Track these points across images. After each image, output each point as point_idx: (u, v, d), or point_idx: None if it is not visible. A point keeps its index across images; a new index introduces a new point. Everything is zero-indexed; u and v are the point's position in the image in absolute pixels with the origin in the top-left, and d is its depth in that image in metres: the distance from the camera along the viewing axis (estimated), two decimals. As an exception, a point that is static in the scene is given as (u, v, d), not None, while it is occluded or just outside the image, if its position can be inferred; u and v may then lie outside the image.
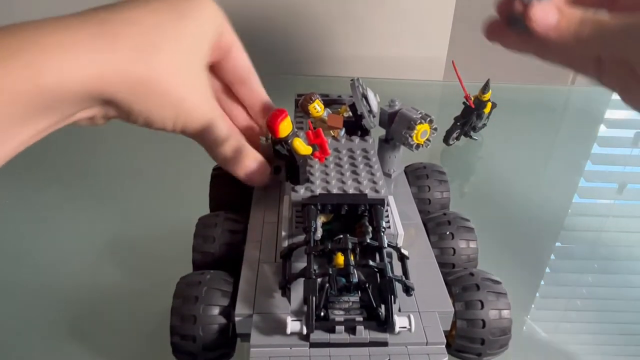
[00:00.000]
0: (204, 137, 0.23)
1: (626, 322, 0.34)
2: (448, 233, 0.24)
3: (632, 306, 0.35)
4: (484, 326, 0.20)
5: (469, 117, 0.51)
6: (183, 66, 0.21)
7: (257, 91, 0.27)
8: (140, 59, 0.19)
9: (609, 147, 0.58)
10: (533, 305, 0.34)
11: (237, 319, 0.20)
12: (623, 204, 0.48)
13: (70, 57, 0.17)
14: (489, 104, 0.51)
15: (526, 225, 0.42)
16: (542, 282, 0.37)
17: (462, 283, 0.22)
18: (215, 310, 0.21)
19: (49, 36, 0.17)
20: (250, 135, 0.27)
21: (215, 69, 0.25)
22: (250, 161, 0.25)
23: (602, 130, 0.61)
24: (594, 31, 0.20)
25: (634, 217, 0.46)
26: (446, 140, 0.51)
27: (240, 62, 0.25)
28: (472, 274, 0.22)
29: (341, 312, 0.19)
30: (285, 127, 0.21)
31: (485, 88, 0.50)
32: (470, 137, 0.53)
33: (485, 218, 0.38)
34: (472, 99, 0.50)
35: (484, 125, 0.54)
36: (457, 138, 0.52)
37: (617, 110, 0.66)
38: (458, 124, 0.51)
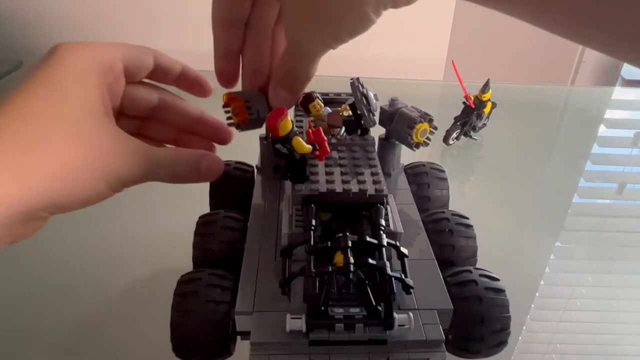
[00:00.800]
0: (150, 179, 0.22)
1: (626, 322, 0.34)
2: (447, 230, 0.24)
3: (632, 306, 0.35)
4: (482, 323, 0.20)
5: (469, 117, 0.51)
6: (82, 138, 0.19)
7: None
8: (29, 160, 0.17)
9: (609, 147, 0.58)
10: (533, 305, 0.34)
11: (237, 316, 0.20)
12: (623, 204, 0.48)
13: None
14: (489, 104, 0.52)
15: (526, 225, 0.42)
16: (542, 282, 0.37)
17: (460, 279, 0.22)
18: (215, 307, 0.21)
19: None
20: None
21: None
22: (185, 167, 0.23)
23: (602, 130, 0.61)
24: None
25: (634, 217, 0.46)
26: (446, 140, 0.51)
27: (161, 67, 0.24)
28: (470, 271, 0.22)
29: (341, 310, 0.19)
30: (285, 126, 0.21)
31: (485, 88, 0.50)
32: (470, 137, 0.53)
33: (485, 218, 0.38)
34: (472, 98, 0.50)
35: (484, 125, 0.54)
36: (457, 138, 0.52)
37: (617, 110, 0.66)
38: (458, 123, 0.51)
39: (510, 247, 0.39)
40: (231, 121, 0.25)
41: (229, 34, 0.24)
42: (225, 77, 0.25)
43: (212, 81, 0.26)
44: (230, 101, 0.25)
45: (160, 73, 0.24)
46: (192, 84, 0.25)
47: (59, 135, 0.18)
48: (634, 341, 0.32)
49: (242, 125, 0.25)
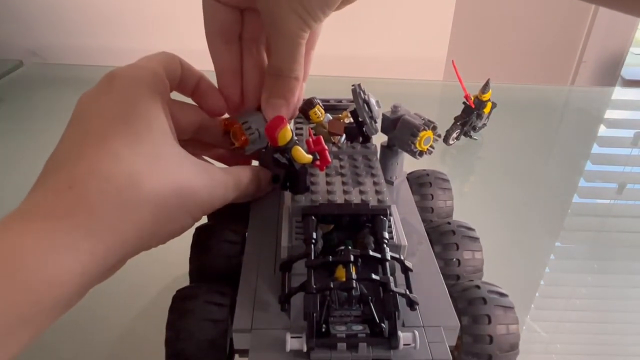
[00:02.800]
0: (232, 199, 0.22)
1: (626, 322, 0.34)
2: (452, 243, 0.24)
3: (632, 306, 0.35)
4: (491, 342, 0.20)
5: (469, 117, 0.51)
6: (168, 175, 0.18)
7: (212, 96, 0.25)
8: (124, 208, 0.17)
9: (609, 147, 0.58)
10: (533, 305, 0.34)
11: (234, 334, 0.20)
12: (623, 204, 0.48)
13: (54, 260, 0.15)
14: (489, 104, 0.51)
15: (526, 225, 0.42)
16: (542, 282, 0.37)
17: (468, 297, 0.21)
18: (212, 327, 0.20)
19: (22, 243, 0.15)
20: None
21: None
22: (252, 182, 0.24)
23: (602, 130, 0.61)
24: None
25: (634, 217, 0.46)
26: (446, 140, 0.51)
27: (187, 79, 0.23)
28: (478, 287, 0.21)
29: (343, 328, 0.19)
30: (284, 135, 0.21)
31: (485, 88, 0.49)
32: (470, 137, 0.53)
33: (485, 218, 0.38)
34: (472, 98, 0.49)
35: (484, 125, 0.53)
36: (457, 138, 0.52)
37: (617, 110, 0.66)
38: (458, 123, 0.51)
39: (510, 247, 0.39)
40: (234, 146, 0.24)
41: (224, 50, 0.23)
42: (231, 98, 0.25)
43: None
44: (227, 126, 0.24)
45: (183, 84, 0.24)
46: (207, 99, 0.25)
47: (147, 178, 0.18)
48: (634, 341, 0.32)
49: (246, 148, 0.24)
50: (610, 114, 0.65)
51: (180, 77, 0.23)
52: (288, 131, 0.21)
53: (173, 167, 0.19)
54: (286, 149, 0.21)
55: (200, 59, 0.27)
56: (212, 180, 0.20)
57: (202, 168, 0.20)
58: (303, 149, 0.21)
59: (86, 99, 0.19)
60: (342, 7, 0.21)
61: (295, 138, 0.21)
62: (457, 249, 0.24)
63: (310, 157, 0.22)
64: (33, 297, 0.14)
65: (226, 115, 0.26)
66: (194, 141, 0.25)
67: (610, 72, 0.72)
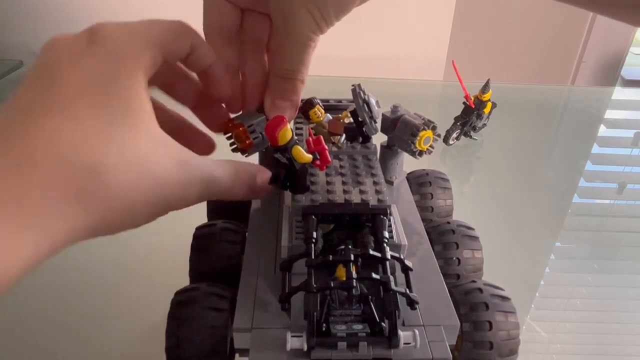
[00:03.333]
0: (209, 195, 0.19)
1: (626, 322, 0.34)
2: (452, 242, 0.24)
3: (632, 306, 0.35)
4: (491, 348, 0.20)
5: (469, 117, 0.51)
6: (135, 162, 0.16)
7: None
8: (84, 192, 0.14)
9: (609, 147, 0.58)
10: (533, 305, 0.34)
11: (235, 333, 0.20)
12: (623, 204, 0.48)
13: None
14: (489, 104, 0.51)
15: (526, 225, 0.42)
16: (542, 282, 0.37)
17: (470, 301, 0.21)
18: (211, 331, 0.20)
19: None
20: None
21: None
22: (248, 185, 0.21)
23: (602, 130, 0.61)
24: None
25: (634, 217, 0.46)
26: (446, 140, 0.51)
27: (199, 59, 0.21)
28: (480, 290, 0.21)
29: (343, 327, 0.19)
30: (284, 135, 0.21)
31: (485, 88, 0.50)
32: (470, 137, 0.53)
33: (485, 218, 0.38)
34: (472, 98, 0.50)
35: (484, 125, 0.53)
36: (457, 138, 0.52)
37: (617, 110, 0.66)
38: (458, 123, 0.51)
39: (510, 247, 0.39)
40: (235, 146, 0.24)
41: (225, 48, 0.23)
42: (230, 99, 0.24)
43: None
44: (231, 129, 0.24)
45: (192, 63, 0.21)
46: (214, 84, 0.22)
47: (119, 173, 0.15)
48: (634, 341, 0.32)
49: (248, 150, 0.24)
50: (610, 114, 0.65)
51: (190, 54, 0.20)
52: (288, 131, 0.21)
53: (145, 161, 0.16)
54: (286, 149, 0.21)
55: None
56: (189, 176, 0.18)
57: (179, 161, 0.18)
58: (303, 148, 0.21)
59: (62, 49, 0.16)
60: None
61: (296, 138, 0.21)
62: (457, 247, 0.24)
63: (310, 156, 0.22)
64: None
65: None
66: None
67: (610, 72, 0.73)
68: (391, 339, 0.18)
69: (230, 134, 0.24)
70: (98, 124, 0.15)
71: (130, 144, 0.16)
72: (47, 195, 0.14)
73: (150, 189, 0.17)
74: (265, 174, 0.22)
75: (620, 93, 0.72)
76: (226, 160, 0.21)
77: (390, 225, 0.22)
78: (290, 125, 0.21)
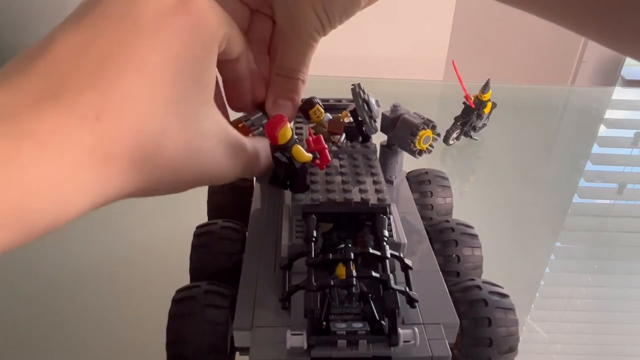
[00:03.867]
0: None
1: (626, 322, 0.34)
2: (452, 240, 0.24)
3: (632, 306, 0.35)
4: (490, 345, 0.20)
5: (469, 117, 0.51)
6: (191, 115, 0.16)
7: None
8: (143, 167, 0.14)
9: (609, 147, 0.58)
10: (533, 305, 0.34)
11: (235, 332, 0.20)
12: (623, 204, 0.48)
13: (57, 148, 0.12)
14: (489, 104, 0.51)
15: (526, 225, 0.42)
16: (542, 282, 0.37)
17: (469, 298, 0.21)
18: (212, 329, 0.20)
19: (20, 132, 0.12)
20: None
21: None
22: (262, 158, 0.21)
23: (602, 130, 0.61)
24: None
25: (634, 217, 0.46)
26: (446, 140, 0.51)
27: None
28: (479, 287, 0.21)
29: (343, 325, 0.19)
30: (284, 134, 0.21)
31: (485, 88, 0.50)
32: (470, 137, 0.53)
33: (485, 218, 0.38)
34: (472, 98, 0.50)
35: (484, 125, 0.53)
36: (457, 138, 0.52)
37: (617, 110, 0.66)
38: (458, 123, 0.51)
39: (510, 247, 0.39)
40: None
41: None
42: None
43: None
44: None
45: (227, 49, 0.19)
46: (239, 75, 0.22)
47: (177, 147, 0.15)
48: (634, 341, 0.32)
49: None
50: (610, 114, 0.65)
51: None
52: (288, 130, 0.21)
53: (202, 141, 0.16)
54: (286, 148, 0.21)
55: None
56: (235, 162, 0.18)
57: (230, 146, 0.18)
58: (303, 148, 0.22)
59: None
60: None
61: (296, 137, 0.22)
62: (457, 245, 0.24)
63: (310, 156, 0.22)
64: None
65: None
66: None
67: (611, 72, 0.73)
68: (391, 337, 0.18)
69: None
70: (172, 93, 0.15)
71: (196, 120, 0.16)
72: (115, 151, 0.14)
73: (197, 169, 0.17)
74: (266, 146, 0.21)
75: (620, 93, 0.73)
76: (263, 140, 0.21)
77: (390, 224, 0.22)
78: (290, 125, 0.21)
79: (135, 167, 0.15)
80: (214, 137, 0.17)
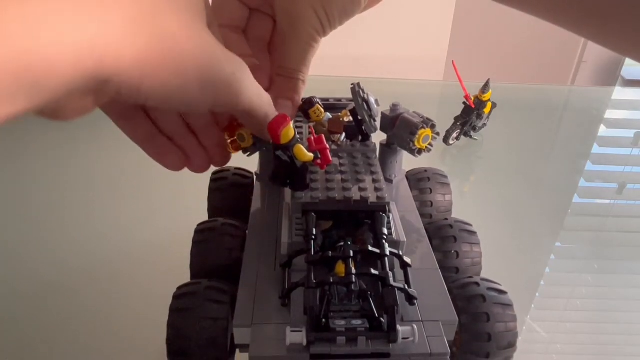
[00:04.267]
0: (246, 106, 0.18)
1: (626, 322, 0.34)
2: (450, 236, 0.24)
3: (632, 306, 0.35)
4: (489, 340, 0.20)
5: (469, 117, 0.51)
6: (193, 23, 0.15)
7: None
8: (142, 21, 0.14)
9: (609, 147, 0.58)
10: (533, 305, 0.34)
11: (235, 329, 0.20)
12: (623, 204, 0.48)
13: (54, 31, 0.12)
14: (489, 104, 0.51)
15: (526, 225, 0.42)
16: (542, 282, 0.37)
17: (467, 294, 0.21)
18: (212, 326, 0.20)
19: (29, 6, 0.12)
20: None
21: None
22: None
23: (602, 130, 0.61)
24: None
25: (634, 217, 0.46)
26: (446, 140, 0.51)
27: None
28: (477, 284, 0.22)
29: (342, 322, 0.19)
30: (287, 133, 0.21)
31: (485, 88, 0.50)
32: (470, 137, 0.53)
33: (485, 218, 0.38)
34: (472, 98, 0.50)
35: (484, 125, 0.53)
36: (457, 138, 0.52)
37: (617, 110, 0.66)
38: (458, 123, 0.51)
39: (510, 247, 0.39)
40: (236, 145, 0.24)
41: (236, 42, 0.23)
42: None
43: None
44: (236, 128, 0.23)
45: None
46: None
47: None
48: (634, 341, 0.32)
49: (251, 148, 0.24)
50: (610, 114, 0.65)
51: None
52: (291, 129, 0.21)
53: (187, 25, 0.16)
54: (288, 147, 0.21)
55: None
56: (239, 67, 0.18)
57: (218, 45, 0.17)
58: (304, 147, 0.22)
59: None
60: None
61: (298, 137, 0.22)
62: (455, 241, 0.24)
63: (311, 155, 0.22)
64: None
65: None
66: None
67: (611, 72, 0.73)
68: (390, 334, 0.18)
69: (233, 138, 0.24)
70: None
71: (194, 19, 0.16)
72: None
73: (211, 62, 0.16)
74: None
75: (620, 93, 0.73)
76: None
77: (389, 222, 0.22)
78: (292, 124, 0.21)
79: (132, 23, 0.14)
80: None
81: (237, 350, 0.22)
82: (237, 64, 0.18)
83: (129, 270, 0.35)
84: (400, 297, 0.19)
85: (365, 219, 0.23)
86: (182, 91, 0.16)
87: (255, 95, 0.19)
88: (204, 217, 0.29)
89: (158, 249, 0.36)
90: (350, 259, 0.20)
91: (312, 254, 0.20)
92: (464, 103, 0.50)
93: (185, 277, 0.24)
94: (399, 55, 0.63)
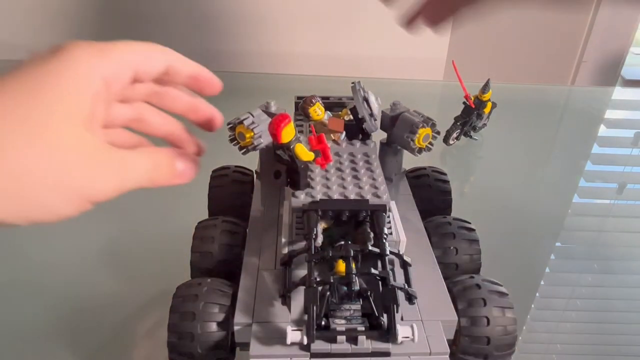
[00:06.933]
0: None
1: (626, 322, 0.34)
2: (450, 233, 0.24)
3: (632, 306, 0.35)
4: (488, 343, 0.20)
5: (469, 117, 0.51)
6: (53, 149, 0.18)
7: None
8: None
9: (609, 147, 0.58)
10: (533, 305, 0.34)
11: (236, 328, 0.20)
12: (623, 204, 0.48)
13: None
14: (489, 104, 0.51)
15: (526, 225, 0.42)
16: (542, 282, 0.37)
17: (467, 297, 0.21)
18: (213, 326, 0.20)
19: None
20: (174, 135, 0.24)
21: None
22: (172, 166, 0.22)
23: (602, 130, 0.61)
24: None
25: (634, 217, 0.46)
26: (446, 140, 0.51)
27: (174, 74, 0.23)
28: (478, 286, 0.21)
29: (342, 321, 0.19)
30: (288, 132, 0.21)
31: (485, 88, 0.50)
32: (470, 137, 0.53)
33: (485, 218, 0.38)
34: (472, 98, 0.50)
35: (484, 125, 0.53)
36: (457, 138, 0.52)
37: (617, 110, 0.66)
38: (458, 123, 0.51)
39: (510, 247, 0.39)
40: (238, 144, 0.25)
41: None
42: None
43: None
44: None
45: (171, 74, 0.23)
46: (202, 84, 0.23)
47: (36, 143, 0.17)
48: (634, 341, 0.32)
49: (249, 147, 0.25)
50: (610, 114, 0.65)
51: (167, 69, 0.22)
52: (292, 128, 0.21)
53: (63, 147, 0.18)
54: (289, 146, 0.21)
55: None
56: (107, 167, 0.19)
57: (101, 154, 0.19)
58: (305, 147, 0.22)
59: (36, 55, 0.19)
60: None
61: (298, 136, 0.22)
62: (454, 237, 0.24)
63: (312, 154, 0.22)
64: None
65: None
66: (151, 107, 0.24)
67: (611, 72, 0.72)
68: (390, 333, 0.18)
69: (235, 140, 0.25)
70: (31, 108, 0.17)
71: (54, 128, 0.18)
72: None
73: (61, 168, 0.18)
74: (188, 161, 0.22)
75: (620, 93, 0.72)
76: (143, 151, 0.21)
77: (389, 222, 0.22)
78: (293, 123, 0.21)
79: None
80: (87, 152, 0.19)
81: (238, 349, 0.22)
82: (107, 169, 0.19)
83: (128, 268, 0.35)
84: (400, 296, 0.19)
85: (366, 218, 0.23)
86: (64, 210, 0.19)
87: (143, 174, 0.20)
88: (204, 215, 0.29)
89: (158, 249, 0.36)
90: (351, 258, 0.20)
91: (313, 253, 0.20)
92: (464, 103, 0.50)
93: (185, 275, 0.24)
94: (399, 55, 0.63)
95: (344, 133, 0.27)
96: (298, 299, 0.20)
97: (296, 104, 0.31)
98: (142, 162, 0.21)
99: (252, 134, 0.24)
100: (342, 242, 0.21)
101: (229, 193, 0.29)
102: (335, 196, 0.22)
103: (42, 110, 0.18)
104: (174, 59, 0.23)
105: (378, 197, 0.23)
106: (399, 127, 0.27)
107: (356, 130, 0.27)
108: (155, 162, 0.21)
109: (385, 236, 0.21)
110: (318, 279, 0.19)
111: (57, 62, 0.19)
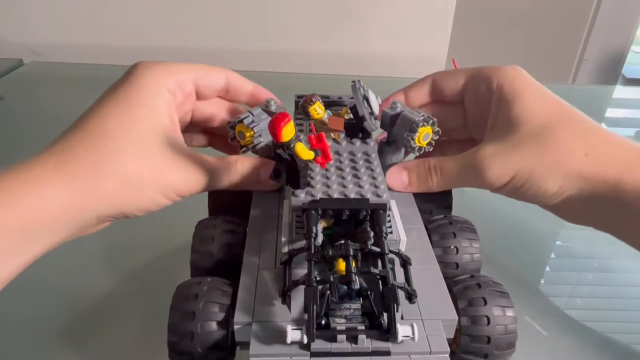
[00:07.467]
0: (210, 187, 0.25)
1: (626, 321, 0.34)
2: (450, 232, 0.24)
3: (632, 305, 0.35)
4: (488, 342, 0.20)
5: (470, 116, 0.50)
6: (146, 155, 0.22)
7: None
8: (100, 173, 0.21)
9: (610, 145, 0.58)
10: (533, 305, 0.34)
11: (236, 327, 0.20)
12: (623, 203, 0.48)
13: (40, 192, 0.20)
14: (490, 103, 0.51)
15: (526, 224, 0.42)
16: (542, 281, 0.37)
17: (468, 296, 0.21)
18: (214, 325, 0.20)
19: (21, 177, 0.20)
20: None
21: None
22: (248, 169, 0.26)
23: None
24: (440, 179, 0.26)
25: (635, 216, 0.46)
26: (446, 139, 0.51)
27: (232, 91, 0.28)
28: (479, 285, 0.21)
29: (342, 321, 0.19)
30: (288, 131, 0.21)
31: (486, 87, 0.49)
32: (471, 136, 0.52)
33: (485, 216, 0.38)
34: (473, 97, 0.49)
35: (485, 124, 0.53)
36: (458, 137, 0.52)
37: (618, 108, 0.66)
38: (458, 122, 0.51)
39: (510, 245, 0.39)
40: (238, 143, 0.26)
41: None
42: None
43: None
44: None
45: (232, 92, 0.28)
46: (261, 102, 0.28)
47: (126, 154, 0.22)
48: (634, 341, 0.32)
49: (249, 145, 0.26)
50: (611, 113, 0.65)
51: (227, 87, 0.27)
52: (292, 127, 0.21)
53: (151, 153, 0.22)
54: (289, 145, 0.21)
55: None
56: (190, 169, 0.24)
57: (183, 158, 0.24)
58: (305, 145, 0.22)
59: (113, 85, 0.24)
60: None
61: (298, 134, 0.22)
62: (455, 237, 0.24)
63: (312, 153, 0.22)
64: (22, 220, 0.19)
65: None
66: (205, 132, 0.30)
67: (611, 71, 0.72)
68: (390, 332, 0.18)
69: (236, 139, 0.25)
70: (115, 127, 0.23)
71: (140, 138, 0.23)
72: (77, 171, 0.21)
73: (151, 172, 0.23)
74: (268, 168, 0.25)
75: (621, 91, 0.72)
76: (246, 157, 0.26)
77: (389, 220, 0.22)
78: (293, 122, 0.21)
79: (94, 180, 0.21)
80: (171, 156, 0.24)
81: (238, 348, 0.22)
82: (190, 171, 0.24)
83: (127, 267, 0.35)
84: (400, 295, 0.19)
85: (366, 217, 0.23)
86: (155, 206, 0.24)
87: (224, 178, 0.25)
88: (204, 214, 0.29)
89: (158, 248, 0.36)
90: (351, 257, 0.20)
91: (313, 252, 0.20)
92: (465, 102, 0.50)
93: (185, 274, 0.24)
94: (400, 53, 0.63)
95: (344, 132, 0.27)
96: (298, 298, 0.20)
97: (296, 102, 0.31)
98: (221, 168, 0.25)
99: (252, 132, 0.24)
100: (342, 241, 0.21)
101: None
102: (336, 195, 0.22)
103: (133, 127, 0.22)
104: (232, 75, 0.27)
105: (378, 196, 0.23)
106: (399, 126, 0.26)
107: (356, 129, 0.27)
108: (256, 168, 0.25)
109: (385, 235, 0.21)
110: (318, 278, 0.19)
111: (130, 86, 0.23)
